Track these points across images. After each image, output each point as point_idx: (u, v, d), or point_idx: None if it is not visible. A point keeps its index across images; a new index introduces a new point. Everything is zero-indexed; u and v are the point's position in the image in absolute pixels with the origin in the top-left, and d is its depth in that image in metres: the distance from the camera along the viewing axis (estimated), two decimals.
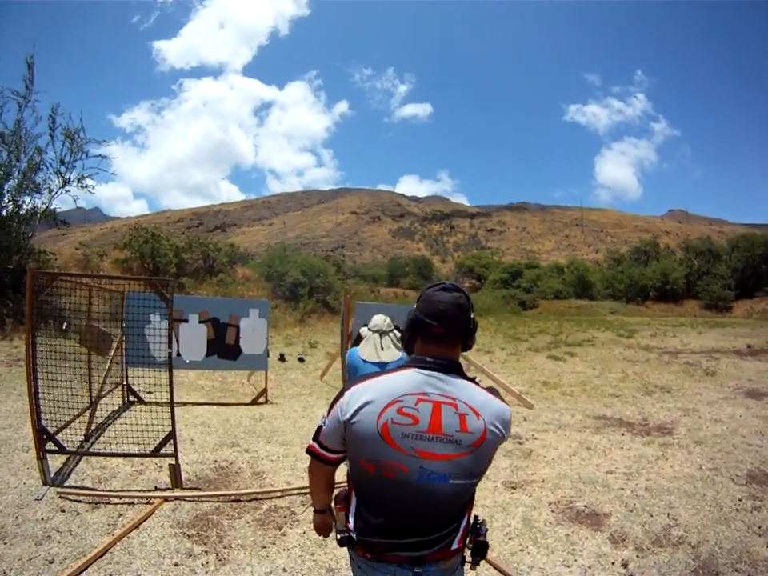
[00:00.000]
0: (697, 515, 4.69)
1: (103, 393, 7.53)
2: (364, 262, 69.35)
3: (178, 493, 4.93)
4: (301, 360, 14.40)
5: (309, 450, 1.88)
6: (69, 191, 15.80)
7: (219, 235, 66.59)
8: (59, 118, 15.27)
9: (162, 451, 5.15)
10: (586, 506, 4.87)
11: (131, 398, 8.57)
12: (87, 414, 6.80)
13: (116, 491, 4.97)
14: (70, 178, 15.67)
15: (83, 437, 6.30)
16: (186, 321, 8.73)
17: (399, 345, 4.30)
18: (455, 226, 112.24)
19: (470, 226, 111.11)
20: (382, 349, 4.29)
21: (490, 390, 1.87)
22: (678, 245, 52.13)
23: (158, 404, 6.91)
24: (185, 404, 8.65)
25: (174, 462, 5.07)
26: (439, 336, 1.78)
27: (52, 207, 15.84)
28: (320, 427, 1.84)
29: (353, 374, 4.27)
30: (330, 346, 17.13)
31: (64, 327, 7.02)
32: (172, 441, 5.10)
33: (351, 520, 1.84)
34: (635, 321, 27.77)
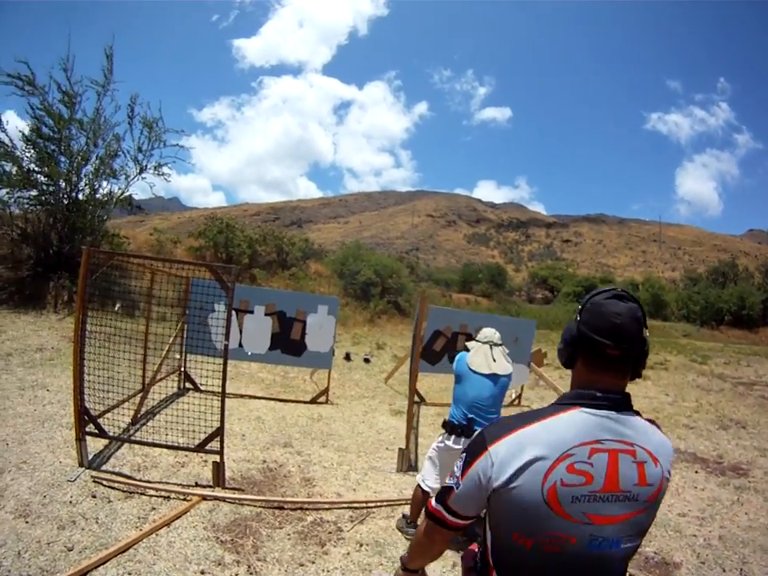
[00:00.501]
0: None
1: (158, 378, 7.33)
2: (437, 265, 69.10)
3: (218, 492, 4.60)
4: (366, 361, 14.06)
5: (430, 513, 1.52)
6: (145, 178, 16.00)
7: (295, 230, 67.46)
8: (138, 107, 15.51)
9: (207, 447, 4.81)
10: (656, 553, 4.44)
11: (187, 385, 8.42)
12: (139, 396, 6.65)
13: (153, 482, 4.69)
14: (146, 166, 15.88)
15: (130, 420, 6.12)
16: (252, 312, 8.44)
17: (509, 359, 4.29)
18: (531, 234, 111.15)
19: (545, 236, 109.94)
20: (494, 360, 4.14)
21: (651, 421, 1.46)
22: (757, 267, 49.86)
23: (213, 393, 6.67)
24: (241, 396, 8.46)
25: (218, 460, 4.75)
26: (613, 360, 1.38)
27: (128, 193, 16.10)
28: (449, 489, 1.47)
29: (459, 382, 4.17)
30: (397, 349, 16.85)
31: (117, 309, 6.86)
32: (219, 438, 4.77)
33: None
34: (708, 346, 26.35)
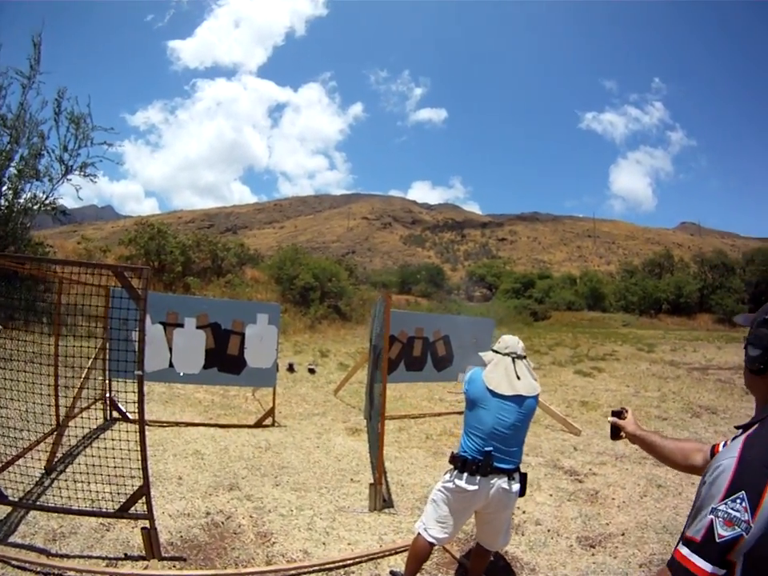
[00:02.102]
0: None
1: (78, 410, 6.21)
2: (374, 268, 68.86)
3: (154, 569, 3.58)
4: (311, 371, 13.17)
5: (689, 573, 1.32)
6: (71, 180, 14.87)
7: (230, 237, 66.20)
8: (65, 102, 14.46)
9: (131, 511, 3.75)
10: None
11: (114, 415, 7.34)
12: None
13: (72, 557, 3.67)
14: (72, 166, 14.70)
15: (44, 469, 5.05)
16: (182, 325, 7.31)
17: (535, 374, 3.44)
18: (466, 234, 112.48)
19: (481, 235, 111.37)
20: (518, 378, 3.27)
21: None
22: (692, 257, 51.76)
23: (147, 423, 5.65)
24: (176, 424, 7.44)
25: (148, 526, 3.69)
26: None
27: (54, 197, 14.89)
28: (736, 539, 1.27)
29: (473, 407, 3.31)
30: (342, 356, 16.21)
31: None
32: (145, 499, 3.69)
33: None
34: (649, 334, 27.00)
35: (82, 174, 14.96)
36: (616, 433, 2.28)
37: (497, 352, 3.42)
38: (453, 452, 3.32)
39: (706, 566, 1.29)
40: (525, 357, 3.43)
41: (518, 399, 3.19)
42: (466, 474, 3.14)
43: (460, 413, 9.40)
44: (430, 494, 3.40)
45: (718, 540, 1.29)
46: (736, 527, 1.27)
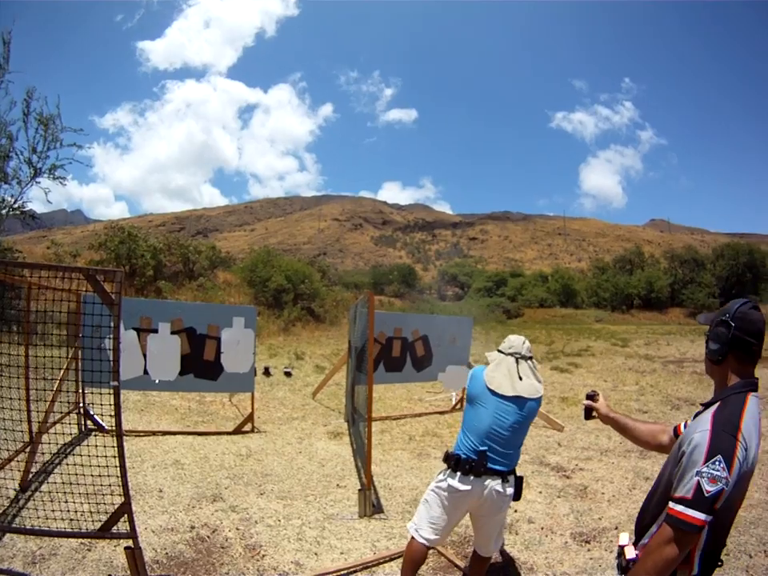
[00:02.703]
0: None
1: (50, 422, 5.96)
2: (346, 269, 68.68)
3: None
4: (288, 374, 12.99)
5: (693, 526, 1.69)
6: (39, 183, 14.46)
7: (201, 240, 65.53)
8: (34, 102, 14.08)
9: (113, 529, 3.50)
10: None
11: (89, 426, 7.09)
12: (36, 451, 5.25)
13: None
14: (41, 169, 14.29)
15: (19, 486, 4.82)
16: (156, 331, 7.07)
17: (539, 375, 3.39)
18: (437, 234, 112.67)
19: (452, 235, 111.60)
20: (520, 379, 3.23)
21: None
22: (663, 254, 52.60)
23: (124, 434, 5.42)
24: (153, 433, 7.21)
25: (131, 545, 3.43)
26: (758, 354, 1.82)
27: (22, 201, 14.53)
28: (719, 492, 1.66)
29: (473, 404, 3.26)
30: (317, 358, 16.07)
31: None
32: (127, 517, 3.44)
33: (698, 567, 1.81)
34: (622, 329, 27.50)
35: (52, 176, 14.57)
36: (589, 413, 2.61)
37: (501, 352, 3.37)
38: (447, 450, 3.25)
39: (701, 516, 1.66)
40: (530, 357, 3.38)
41: (518, 400, 3.13)
42: (459, 474, 3.07)
43: (441, 413, 9.41)
44: (424, 494, 3.31)
45: (706, 495, 1.65)
46: (719, 483, 1.64)
